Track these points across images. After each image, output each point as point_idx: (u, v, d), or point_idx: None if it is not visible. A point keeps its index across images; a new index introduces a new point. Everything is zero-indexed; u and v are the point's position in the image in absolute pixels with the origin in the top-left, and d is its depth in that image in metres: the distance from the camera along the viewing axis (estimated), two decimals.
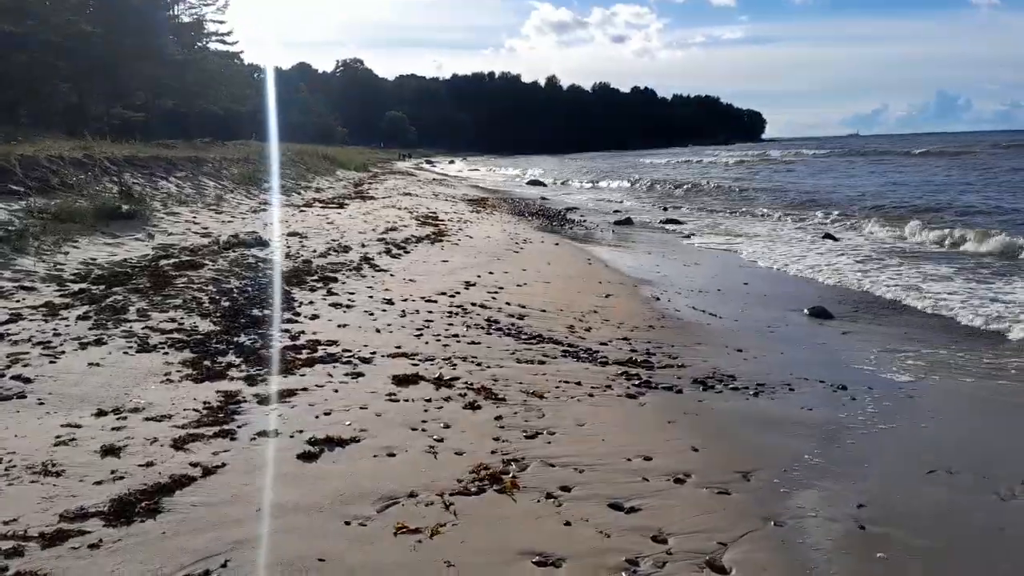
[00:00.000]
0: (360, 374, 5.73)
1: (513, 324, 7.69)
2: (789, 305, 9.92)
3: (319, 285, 8.74)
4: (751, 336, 8.11)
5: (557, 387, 5.76)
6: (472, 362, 6.27)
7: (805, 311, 9.46)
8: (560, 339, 7.27)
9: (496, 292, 9.12)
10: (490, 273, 10.28)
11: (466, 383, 5.67)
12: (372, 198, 21.84)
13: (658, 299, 9.85)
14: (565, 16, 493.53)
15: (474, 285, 9.40)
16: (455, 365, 6.14)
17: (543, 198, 32.81)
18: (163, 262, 9.41)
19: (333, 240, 11.95)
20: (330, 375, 5.67)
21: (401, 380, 5.63)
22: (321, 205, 18.05)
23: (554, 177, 54.43)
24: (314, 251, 10.83)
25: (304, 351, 6.27)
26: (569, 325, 7.90)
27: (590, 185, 44.45)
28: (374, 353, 6.30)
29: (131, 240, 10.61)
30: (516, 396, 5.47)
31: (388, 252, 11.15)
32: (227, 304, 7.61)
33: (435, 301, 8.36)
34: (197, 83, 51.94)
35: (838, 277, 12.06)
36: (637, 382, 6.05)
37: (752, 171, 50.99)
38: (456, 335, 7.07)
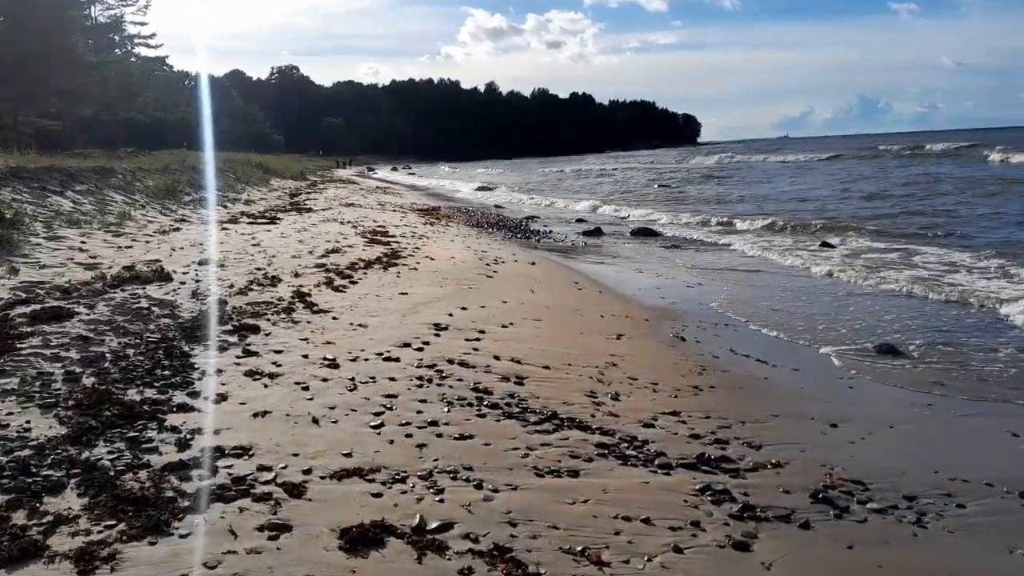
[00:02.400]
0: (285, 526, 3.36)
1: (512, 395, 5.39)
2: (845, 339, 7.86)
3: (233, 340, 6.30)
4: (831, 397, 6.00)
5: (616, 533, 3.49)
6: (467, 480, 3.96)
7: (870, 347, 7.41)
8: (585, 420, 5.01)
9: (477, 339, 6.82)
10: (463, 309, 7.96)
11: (466, 537, 3.35)
12: (310, 210, 19.26)
13: (683, 338, 7.68)
14: (500, 23, 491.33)
15: (446, 329, 7.07)
16: (441, 490, 3.81)
17: (497, 206, 30.68)
18: (17, 311, 6.83)
19: (259, 269, 9.43)
20: (233, 531, 3.30)
21: (355, 539, 3.28)
22: (249, 220, 15.46)
23: (502, 183, 52.35)
24: (231, 286, 8.33)
25: (193, 473, 3.88)
26: (588, 391, 5.64)
27: (542, 191, 42.39)
28: (309, 472, 3.94)
29: None
30: (557, 565, 3.18)
31: (330, 283, 8.71)
32: (91, 382, 5.13)
33: (397, 359, 6.00)
34: (118, 88, 48.31)
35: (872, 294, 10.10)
36: (733, 507, 3.83)
37: (705, 175, 49.74)
38: (435, 422, 4.74)
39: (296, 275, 9.12)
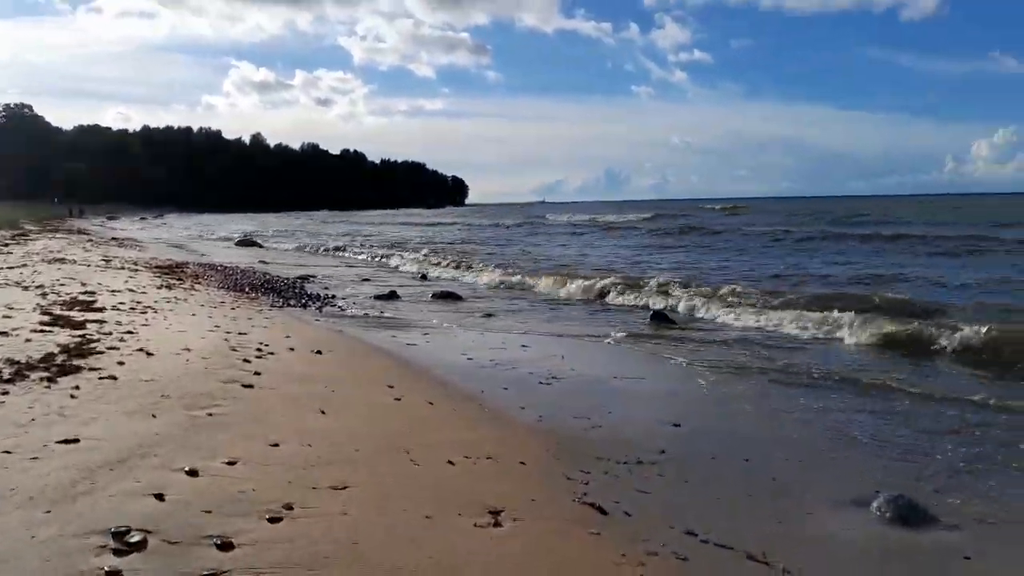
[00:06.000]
0: None
1: None
2: (811, 489, 5.03)
3: None
4: None
5: None
6: None
7: (879, 511, 4.59)
8: None
9: (215, 574, 3.02)
10: (191, 474, 4.05)
11: None
12: None
13: (602, 510, 4.37)
14: (268, 77, 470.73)
15: (142, 548, 3.16)
16: None
17: (262, 262, 26.10)
18: None
19: None
20: None
21: None
22: None
23: (268, 236, 47.14)
24: None
25: None
26: None
27: (315, 247, 38.03)
28: None
29: None
30: None
31: None
32: None
33: None
34: None
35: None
36: None
37: (472, 233, 48.26)
38: None
39: None
